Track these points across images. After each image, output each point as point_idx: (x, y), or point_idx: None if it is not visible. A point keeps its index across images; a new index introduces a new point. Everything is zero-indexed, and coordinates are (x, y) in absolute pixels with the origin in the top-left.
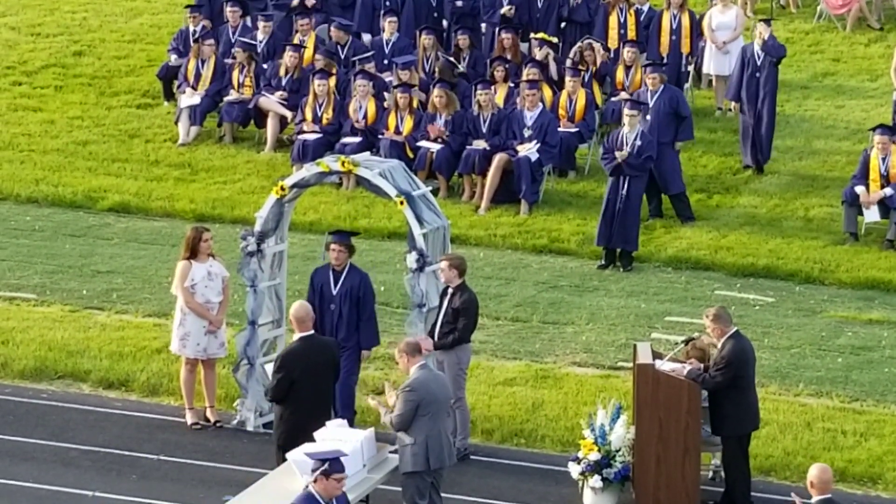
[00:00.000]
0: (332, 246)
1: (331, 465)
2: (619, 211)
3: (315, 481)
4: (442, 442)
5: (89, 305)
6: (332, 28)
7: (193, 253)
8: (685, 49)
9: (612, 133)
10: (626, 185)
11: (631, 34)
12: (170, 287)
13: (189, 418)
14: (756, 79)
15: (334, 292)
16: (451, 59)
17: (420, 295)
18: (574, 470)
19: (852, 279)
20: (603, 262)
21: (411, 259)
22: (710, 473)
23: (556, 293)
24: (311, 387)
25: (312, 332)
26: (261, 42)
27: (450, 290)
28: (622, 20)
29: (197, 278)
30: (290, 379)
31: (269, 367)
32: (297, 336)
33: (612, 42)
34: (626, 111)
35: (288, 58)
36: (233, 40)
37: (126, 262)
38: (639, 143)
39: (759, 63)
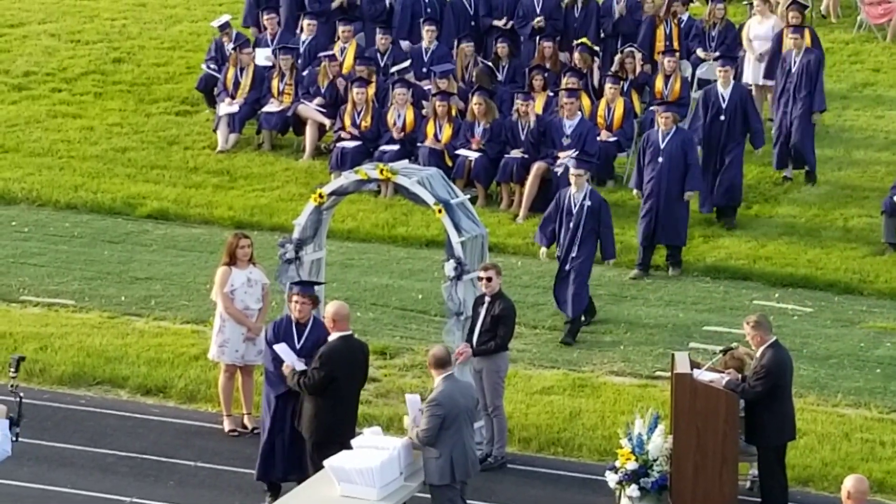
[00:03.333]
0: (295, 298)
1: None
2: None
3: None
4: (466, 453)
5: (128, 312)
6: (378, 34)
7: (233, 259)
8: None
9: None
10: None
11: (674, 44)
12: (208, 293)
13: (226, 425)
14: (790, 85)
15: (298, 347)
16: (490, 65)
17: (458, 303)
18: (611, 479)
19: (891, 290)
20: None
21: (449, 267)
22: (748, 483)
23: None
24: (350, 386)
25: (351, 331)
26: (303, 42)
27: (486, 299)
28: (668, 32)
29: (236, 284)
30: (332, 376)
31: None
32: (335, 335)
33: (656, 54)
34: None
35: (326, 67)
36: (272, 48)
37: (164, 269)
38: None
39: (793, 69)
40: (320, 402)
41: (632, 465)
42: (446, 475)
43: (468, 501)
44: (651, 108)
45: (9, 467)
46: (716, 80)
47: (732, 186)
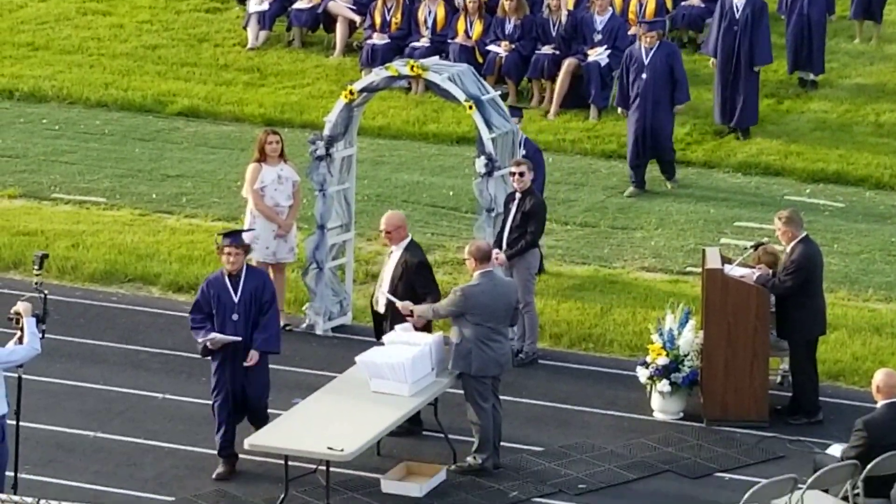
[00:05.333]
0: (227, 250)
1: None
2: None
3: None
4: (493, 349)
5: (159, 209)
6: None
7: (263, 156)
8: None
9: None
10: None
11: None
12: (239, 191)
13: None
14: None
15: (235, 300)
16: None
17: (489, 199)
18: (642, 374)
19: None
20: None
21: (480, 164)
22: (779, 378)
23: (624, 198)
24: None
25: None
26: None
27: (517, 195)
28: None
29: (267, 181)
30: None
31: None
32: (403, 243)
33: None
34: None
35: None
36: None
37: (195, 167)
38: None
39: None
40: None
41: (662, 360)
42: (460, 364)
43: (500, 396)
44: (683, 3)
45: (41, 364)
46: None
47: (745, 106)
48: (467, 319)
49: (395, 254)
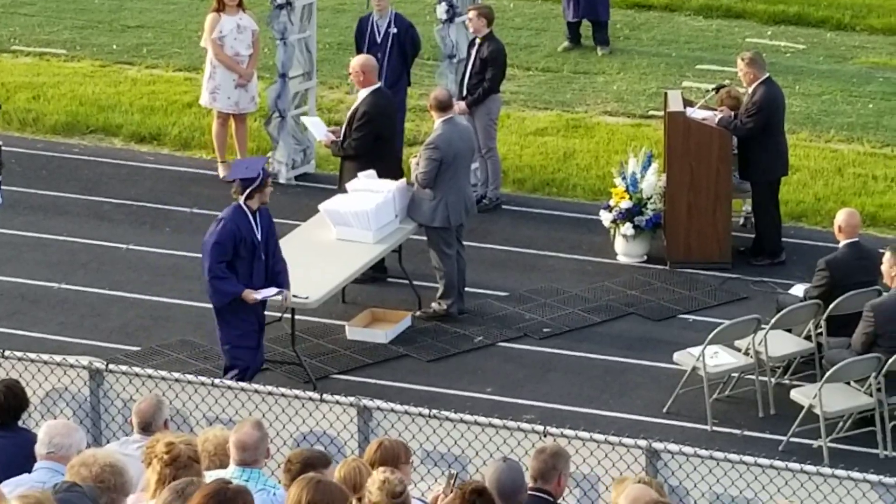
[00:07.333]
0: (268, 181)
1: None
2: None
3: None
4: (463, 197)
5: (119, 60)
6: None
7: (221, 5)
8: None
9: None
10: None
11: None
12: (200, 40)
13: (221, 171)
14: None
15: (259, 237)
16: None
17: (450, 46)
18: (605, 218)
19: (883, 25)
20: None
21: (441, 10)
22: (741, 220)
23: (587, 42)
24: (391, 141)
25: (380, 84)
26: None
27: (477, 41)
28: None
29: (226, 31)
30: (376, 133)
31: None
32: (368, 89)
33: None
34: None
35: None
36: None
37: (156, 17)
38: None
39: None
40: (366, 161)
41: (626, 203)
42: (439, 218)
43: (464, 242)
44: None
45: (5, 216)
46: None
47: None
48: (442, 172)
49: (360, 96)
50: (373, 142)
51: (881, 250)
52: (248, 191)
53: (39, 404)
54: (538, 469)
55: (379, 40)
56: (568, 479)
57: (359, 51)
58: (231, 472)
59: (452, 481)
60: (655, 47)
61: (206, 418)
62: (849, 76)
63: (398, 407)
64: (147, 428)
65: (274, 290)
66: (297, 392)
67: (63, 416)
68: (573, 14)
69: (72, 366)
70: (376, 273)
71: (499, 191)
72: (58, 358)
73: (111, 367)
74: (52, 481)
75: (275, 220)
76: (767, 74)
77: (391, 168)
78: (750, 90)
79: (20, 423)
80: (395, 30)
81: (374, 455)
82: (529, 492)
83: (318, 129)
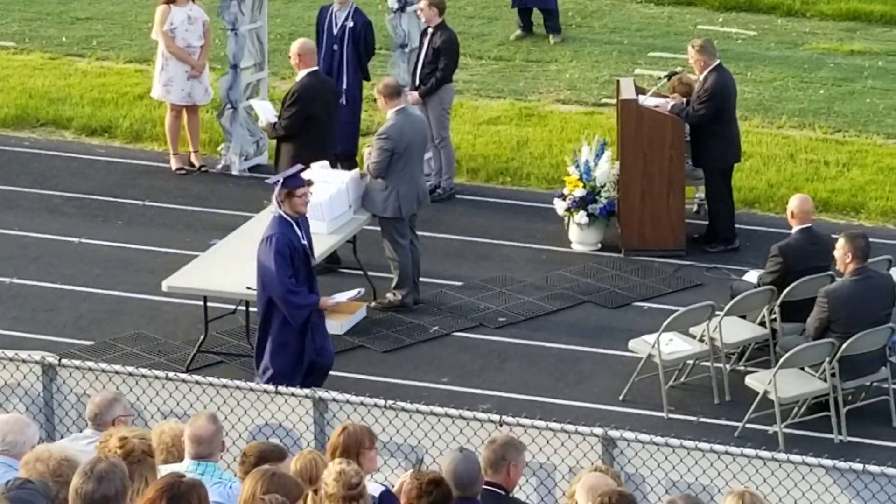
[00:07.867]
0: (300, 191)
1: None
2: None
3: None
4: (415, 187)
5: (69, 52)
6: None
7: None
8: None
9: None
10: None
11: None
12: (150, 32)
13: (173, 163)
14: None
15: (304, 242)
16: None
17: (402, 35)
18: (560, 206)
19: (834, 11)
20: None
21: None
22: (695, 207)
23: (539, 31)
24: (326, 121)
25: (317, 67)
26: None
27: (429, 30)
28: None
29: (176, 22)
30: (307, 113)
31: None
32: (303, 72)
33: None
34: None
35: None
36: None
37: (105, 8)
38: None
39: None
40: (300, 143)
41: (580, 191)
42: (391, 208)
43: (417, 232)
44: None
45: None
46: None
47: None
48: (394, 162)
49: (297, 79)
50: (303, 121)
51: (834, 236)
52: (286, 192)
53: None
54: (488, 459)
55: (336, 32)
56: (521, 469)
57: (317, 40)
58: (186, 466)
59: (418, 466)
60: (607, 35)
61: (161, 412)
62: (800, 62)
63: (354, 398)
64: (98, 421)
65: (354, 291)
66: (252, 384)
67: (16, 412)
68: (519, 0)
69: (24, 361)
70: (330, 263)
71: (452, 180)
72: (10, 353)
73: (64, 361)
74: (6, 477)
75: (228, 211)
76: (718, 61)
77: (324, 151)
78: (701, 77)
79: None
80: (351, 24)
81: (337, 440)
82: (483, 486)
83: (265, 112)
